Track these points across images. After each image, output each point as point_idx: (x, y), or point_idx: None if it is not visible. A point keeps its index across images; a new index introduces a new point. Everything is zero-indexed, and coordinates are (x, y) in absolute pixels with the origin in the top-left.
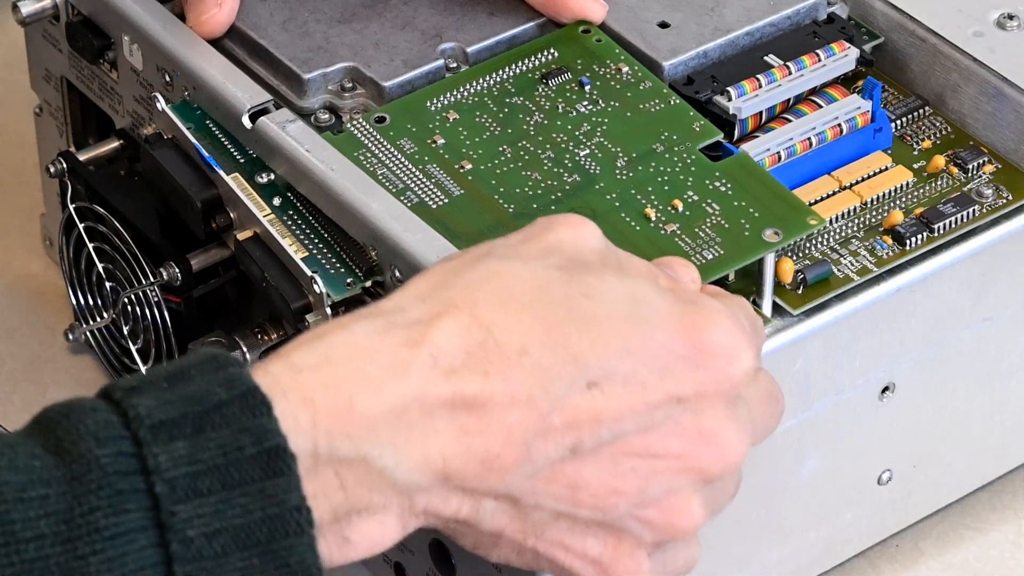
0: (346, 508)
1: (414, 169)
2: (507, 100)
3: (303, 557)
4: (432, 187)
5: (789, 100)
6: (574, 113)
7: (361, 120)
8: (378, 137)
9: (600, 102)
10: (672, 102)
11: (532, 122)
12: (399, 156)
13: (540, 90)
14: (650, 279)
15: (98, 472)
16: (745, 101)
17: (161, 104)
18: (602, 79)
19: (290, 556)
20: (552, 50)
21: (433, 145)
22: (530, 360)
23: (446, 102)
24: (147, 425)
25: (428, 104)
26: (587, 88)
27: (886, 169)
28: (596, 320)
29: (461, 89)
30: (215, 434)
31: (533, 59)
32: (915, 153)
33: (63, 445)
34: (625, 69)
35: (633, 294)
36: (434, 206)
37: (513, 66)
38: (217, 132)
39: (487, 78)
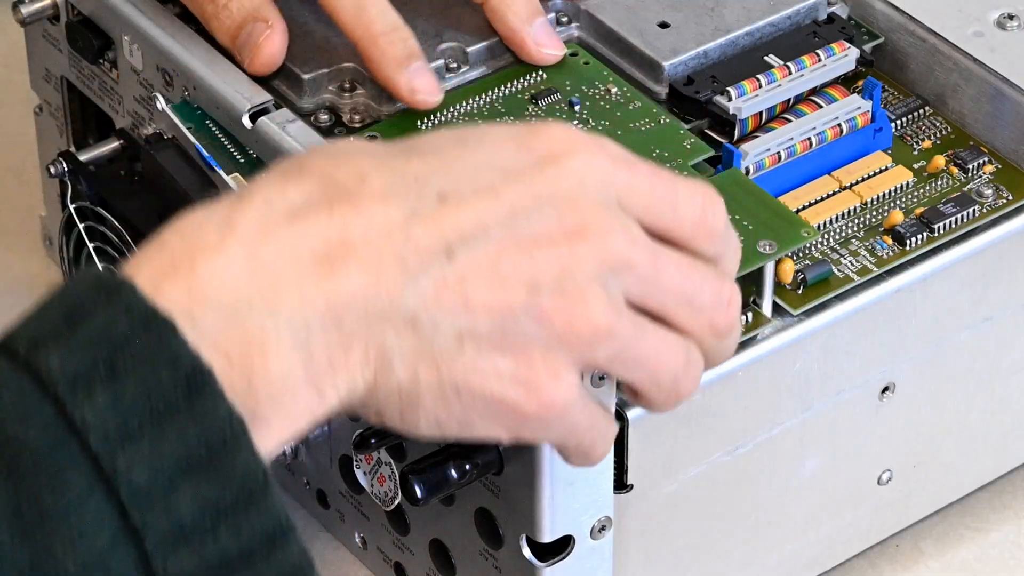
0: (251, 390)
1: None
2: (497, 120)
3: (246, 463)
4: None
5: (789, 100)
6: (485, 120)
7: (351, 140)
8: None
9: (590, 121)
10: (663, 121)
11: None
12: None
13: (530, 110)
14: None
15: (30, 454)
16: (745, 101)
17: (161, 104)
18: (591, 99)
19: (234, 467)
20: (541, 72)
21: None
22: (372, 184)
23: (436, 122)
24: (63, 382)
25: (418, 123)
26: (577, 108)
27: (886, 169)
28: (429, 148)
29: (450, 109)
30: (132, 372)
31: (522, 80)
32: (915, 153)
33: None
34: (614, 90)
35: (462, 129)
36: None
37: (502, 87)
38: (217, 132)
39: (476, 99)
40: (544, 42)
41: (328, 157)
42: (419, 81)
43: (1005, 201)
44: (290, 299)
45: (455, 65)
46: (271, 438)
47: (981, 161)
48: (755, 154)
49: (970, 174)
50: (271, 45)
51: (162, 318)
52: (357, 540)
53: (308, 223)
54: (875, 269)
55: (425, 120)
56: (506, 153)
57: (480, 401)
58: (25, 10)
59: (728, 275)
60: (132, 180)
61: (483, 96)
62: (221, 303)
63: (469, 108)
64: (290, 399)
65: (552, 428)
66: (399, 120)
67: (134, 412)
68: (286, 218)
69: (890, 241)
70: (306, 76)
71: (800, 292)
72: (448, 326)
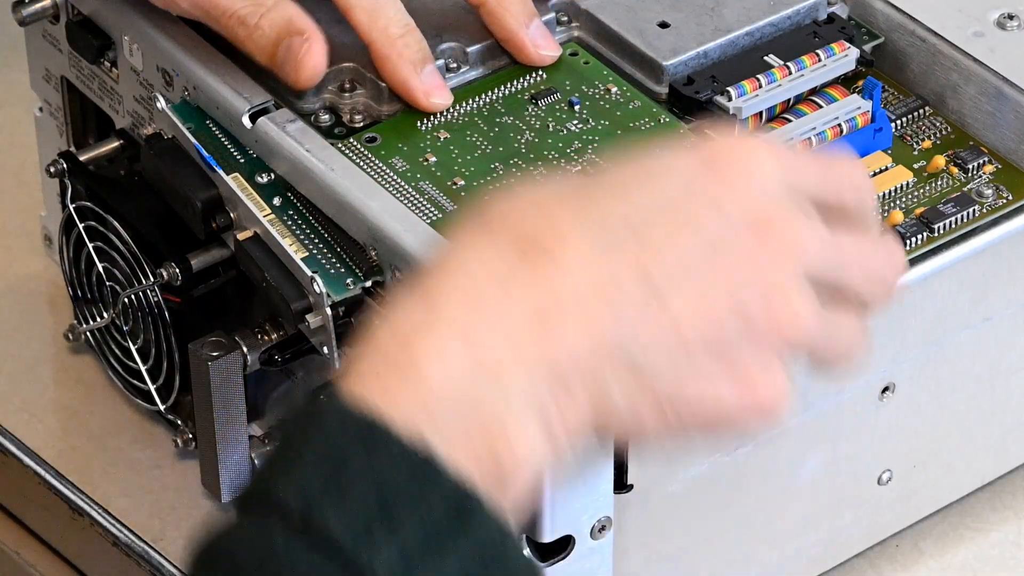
0: (500, 471)
1: (407, 186)
2: (497, 120)
3: (516, 562)
4: (425, 203)
5: (789, 100)
6: (564, 132)
7: (352, 140)
8: (370, 156)
9: (590, 120)
10: (662, 120)
11: (523, 140)
12: (391, 174)
13: (530, 110)
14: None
15: None
16: (745, 101)
17: (161, 104)
18: (591, 99)
19: (508, 570)
20: (540, 72)
21: (425, 163)
22: (568, 236)
23: (437, 122)
24: (347, 541)
25: (419, 124)
26: (577, 108)
27: (886, 169)
28: (616, 185)
29: (451, 110)
30: (407, 513)
31: (522, 80)
32: (915, 153)
33: None
34: (614, 89)
35: (644, 158)
36: (428, 221)
37: (502, 87)
38: (217, 132)
39: (476, 99)
40: (541, 43)
41: (517, 212)
42: (432, 84)
43: (1005, 201)
44: (516, 373)
45: (455, 65)
46: (518, 496)
47: (981, 161)
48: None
49: (970, 174)
50: (312, 57)
51: (423, 455)
52: None
53: (515, 289)
54: None
55: (424, 121)
56: (687, 169)
57: (697, 409)
58: (25, 10)
59: (881, 226)
60: (132, 180)
61: (483, 96)
62: (454, 399)
63: (469, 108)
64: (534, 462)
65: (769, 423)
66: (399, 120)
67: (416, 550)
68: (492, 288)
69: None
70: None
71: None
72: (659, 348)
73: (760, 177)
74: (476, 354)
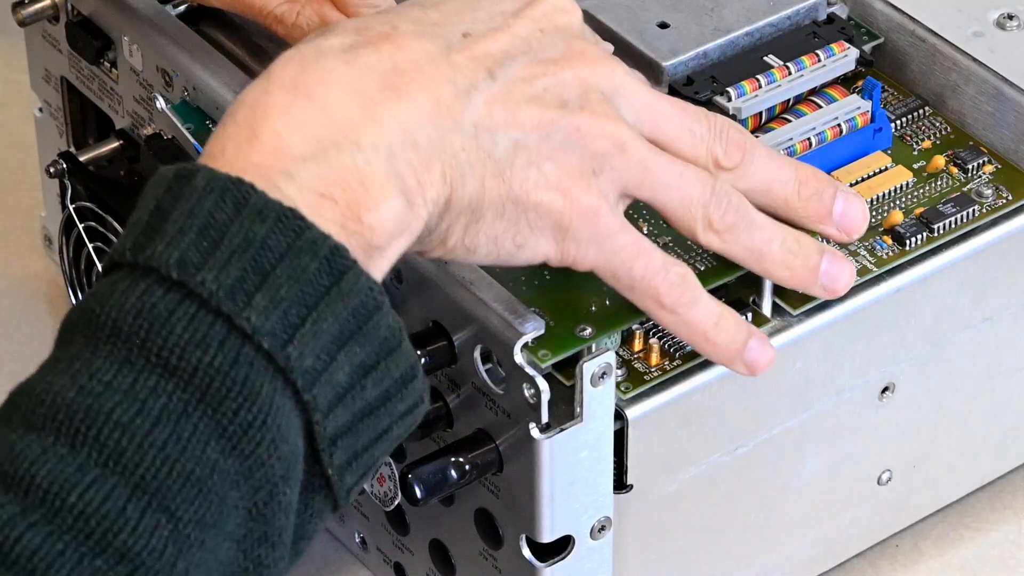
0: (363, 225)
1: None
2: None
3: (388, 323)
4: None
5: (789, 100)
6: None
7: None
8: None
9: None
10: None
11: None
12: None
13: None
14: None
15: (217, 375)
16: (745, 101)
17: (161, 104)
18: None
19: (379, 329)
20: None
21: None
22: (403, 28)
23: None
24: (224, 296)
25: None
26: None
27: (886, 169)
28: (436, 2)
29: None
30: (278, 269)
31: None
32: (915, 153)
33: (169, 361)
34: None
35: None
36: None
37: None
38: None
39: None
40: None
41: (353, 19)
42: None
43: (1005, 201)
44: (368, 131)
45: None
46: (385, 262)
47: (981, 161)
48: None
49: (970, 174)
50: None
51: (288, 209)
52: (357, 540)
53: (360, 61)
54: (875, 269)
55: None
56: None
57: (531, 210)
58: (25, 10)
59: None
60: (132, 180)
61: None
62: (311, 154)
63: None
64: (396, 223)
65: (594, 243)
66: None
67: (291, 306)
68: (339, 62)
69: (890, 241)
70: None
71: (800, 292)
72: (503, 138)
73: (572, 19)
74: (332, 120)
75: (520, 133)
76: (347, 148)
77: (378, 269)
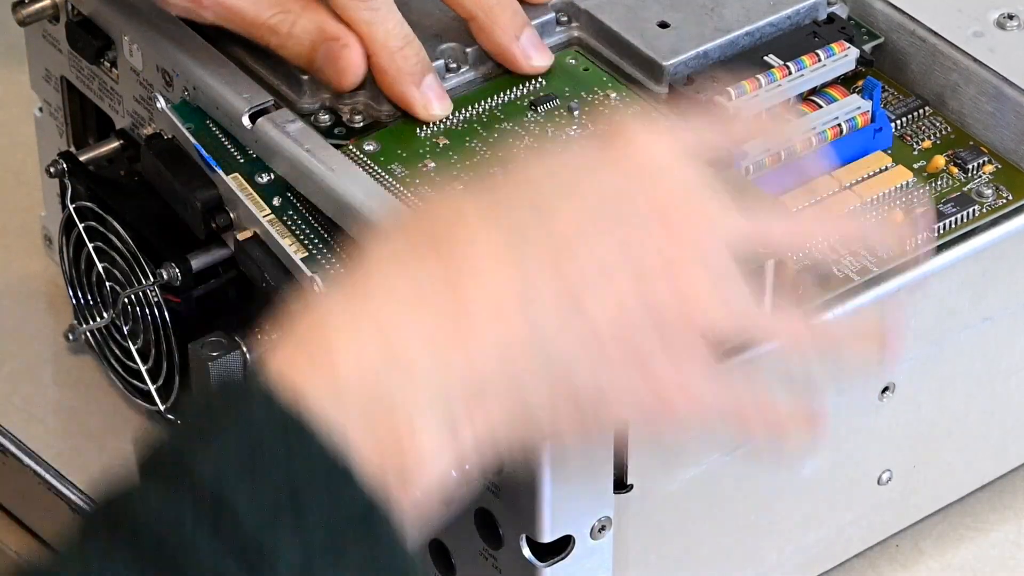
0: (404, 465)
1: (406, 192)
2: (496, 126)
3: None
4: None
5: (789, 100)
6: (564, 137)
7: (352, 147)
8: (369, 163)
9: (590, 126)
10: None
11: (522, 146)
12: (390, 180)
13: (529, 116)
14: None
15: None
16: (745, 101)
17: (161, 104)
18: (591, 105)
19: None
20: (540, 78)
21: (424, 169)
22: (479, 229)
23: (436, 129)
24: (251, 524)
25: (418, 131)
26: (576, 114)
27: (886, 169)
28: (520, 171)
29: (450, 116)
30: (314, 511)
31: (521, 87)
32: (915, 153)
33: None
34: (613, 95)
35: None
36: None
37: (501, 94)
38: (217, 132)
39: (475, 106)
40: (532, 54)
41: (430, 208)
42: (432, 96)
43: (1005, 201)
44: (428, 372)
45: (455, 65)
46: (420, 498)
47: (981, 161)
48: (755, 154)
49: (970, 174)
50: (352, 62)
51: (338, 457)
52: None
53: (429, 288)
54: (875, 269)
55: (424, 128)
56: (584, 152)
57: (614, 409)
58: (25, 10)
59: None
60: (132, 180)
61: (483, 103)
62: (364, 389)
63: (469, 115)
64: (437, 460)
65: (680, 428)
66: (399, 127)
67: (318, 548)
68: (408, 285)
69: None
70: (306, 76)
71: (800, 292)
72: (573, 349)
73: (659, 156)
74: (390, 348)
75: (596, 345)
76: (402, 388)
77: (410, 499)
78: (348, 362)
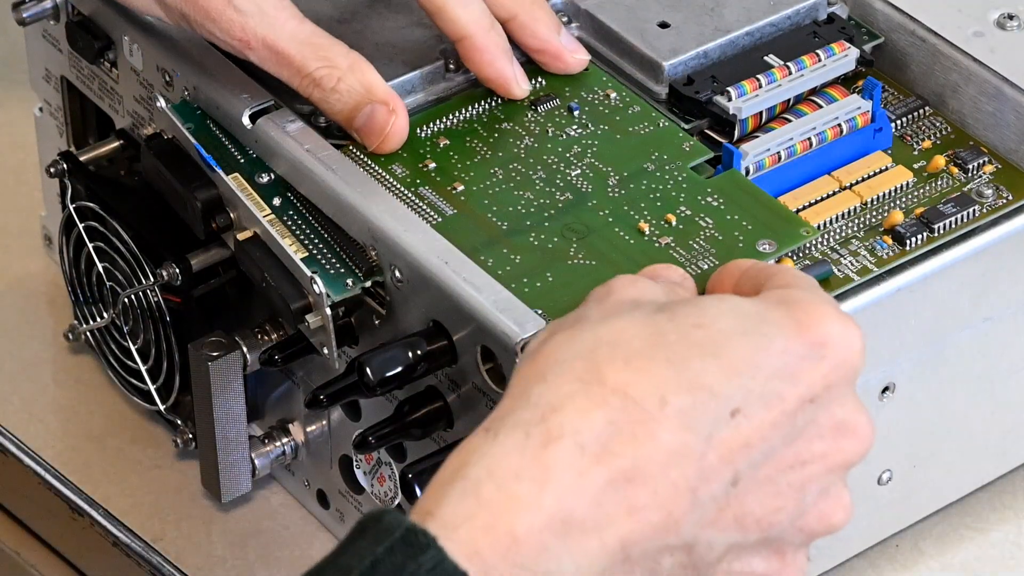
0: None
1: (406, 191)
2: (497, 126)
3: None
4: (425, 207)
5: (789, 100)
6: (564, 136)
7: (352, 148)
8: (369, 163)
9: (590, 125)
10: (661, 124)
11: (522, 145)
12: (391, 180)
13: (529, 116)
14: (722, 296)
15: None
16: (745, 101)
17: (161, 104)
18: (591, 104)
19: None
20: (540, 79)
21: (424, 169)
22: (672, 408)
23: (436, 129)
24: None
25: (418, 132)
26: (576, 113)
27: (886, 169)
28: (717, 345)
29: (450, 116)
30: None
31: None
32: (915, 153)
33: None
34: (613, 95)
35: (733, 309)
36: (428, 225)
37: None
38: (217, 132)
39: (476, 106)
40: (574, 48)
41: (622, 364)
42: (520, 73)
43: (1005, 201)
44: (591, 549)
45: (454, 66)
46: None
47: (981, 161)
48: (755, 154)
49: (970, 174)
50: (398, 127)
51: None
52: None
53: (615, 460)
54: (875, 269)
55: (424, 128)
56: (790, 349)
57: None
58: (25, 10)
59: None
60: (132, 180)
61: (483, 102)
62: (531, 564)
63: (469, 115)
64: None
65: None
66: None
67: None
68: (596, 459)
69: (890, 241)
70: None
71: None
72: (720, 543)
73: (854, 374)
74: (563, 520)
75: (740, 536)
76: (560, 567)
77: None
78: (523, 524)
